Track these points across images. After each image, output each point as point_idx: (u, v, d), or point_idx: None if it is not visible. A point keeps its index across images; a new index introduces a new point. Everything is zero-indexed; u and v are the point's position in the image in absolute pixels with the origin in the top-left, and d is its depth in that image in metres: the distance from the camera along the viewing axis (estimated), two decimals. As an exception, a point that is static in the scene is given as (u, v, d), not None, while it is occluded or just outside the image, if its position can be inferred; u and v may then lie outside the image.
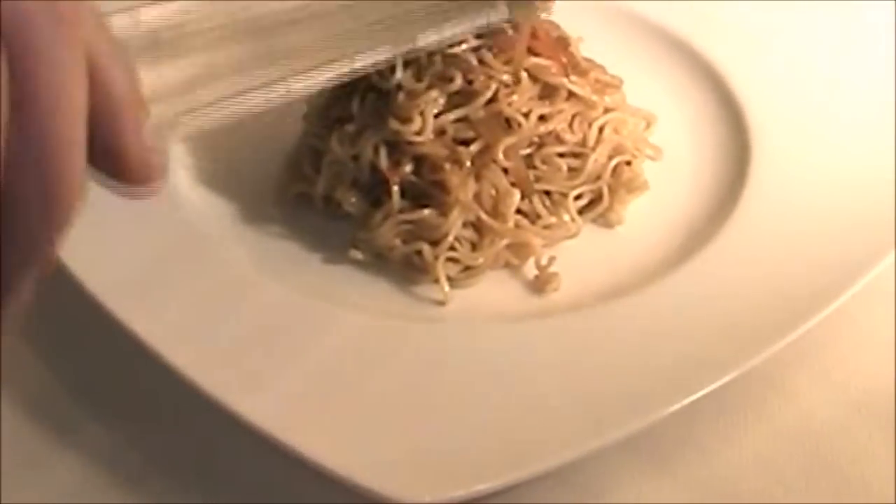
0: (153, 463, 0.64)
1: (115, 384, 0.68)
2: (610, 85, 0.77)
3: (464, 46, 0.73)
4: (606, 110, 0.77)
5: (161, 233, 0.72)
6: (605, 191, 0.75)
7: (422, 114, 0.72)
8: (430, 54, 0.72)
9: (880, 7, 0.86)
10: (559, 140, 0.75)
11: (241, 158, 0.79)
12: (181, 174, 0.77)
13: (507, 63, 0.73)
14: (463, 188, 0.72)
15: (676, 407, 0.61)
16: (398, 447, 0.61)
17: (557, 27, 0.77)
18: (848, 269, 0.69)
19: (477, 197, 0.72)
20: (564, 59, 0.75)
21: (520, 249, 0.72)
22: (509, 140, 0.72)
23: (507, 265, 0.72)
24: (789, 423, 0.66)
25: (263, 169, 0.78)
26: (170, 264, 0.71)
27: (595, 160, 0.75)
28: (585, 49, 0.79)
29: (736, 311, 0.67)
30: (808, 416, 0.66)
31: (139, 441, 0.65)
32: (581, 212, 0.75)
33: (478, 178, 0.72)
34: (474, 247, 0.72)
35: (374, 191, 0.74)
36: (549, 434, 0.61)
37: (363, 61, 0.65)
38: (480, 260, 0.72)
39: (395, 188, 0.72)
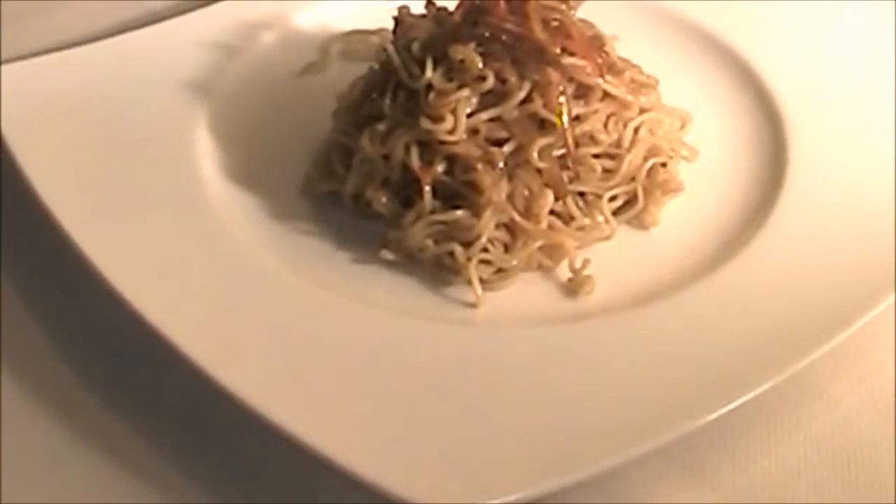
0: (176, 464, 0.64)
1: (135, 379, 0.67)
2: (646, 85, 0.77)
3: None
4: (642, 110, 0.76)
5: (189, 228, 0.72)
6: (640, 192, 0.74)
7: (454, 112, 0.71)
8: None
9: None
10: (594, 141, 0.74)
11: (270, 154, 0.79)
12: (210, 169, 0.76)
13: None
14: (496, 189, 0.71)
15: (713, 416, 0.61)
16: (428, 451, 0.60)
17: (592, 26, 0.77)
18: (887, 275, 0.68)
19: (510, 198, 0.71)
20: (599, 59, 0.74)
21: (553, 251, 0.72)
22: (543, 140, 0.71)
23: (541, 267, 0.72)
24: (825, 430, 0.66)
25: (293, 165, 0.78)
26: (197, 260, 0.70)
27: (630, 161, 0.74)
28: (620, 47, 0.78)
29: (773, 316, 0.66)
30: (844, 424, 0.66)
31: (160, 439, 0.65)
32: (615, 213, 0.74)
33: (511, 178, 0.72)
34: (507, 248, 0.71)
35: (405, 190, 0.73)
36: (582, 442, 0.60)
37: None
38: (513, 262, 0.71)
39: (427, 188, 0.71)
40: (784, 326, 0.66)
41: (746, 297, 0.68)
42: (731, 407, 0.61)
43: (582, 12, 0.77)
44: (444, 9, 0.76)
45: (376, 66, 0.77)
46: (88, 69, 0.82)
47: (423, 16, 0.76)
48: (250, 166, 0.77)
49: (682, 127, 0.80)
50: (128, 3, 0.92)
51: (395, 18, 0.77)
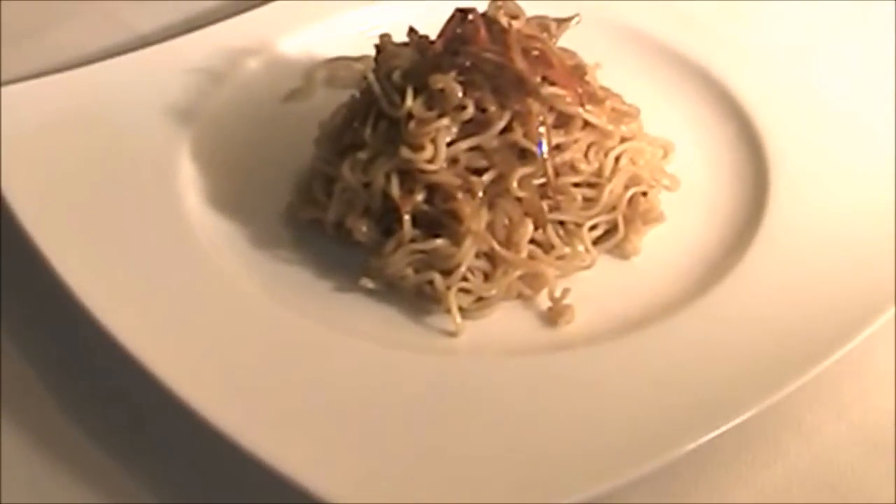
0: (161, 496, 0.64)
1: (113, 406, 0.67)
2: (627, 114, 0.76)
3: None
4: (623, 139, 0.76)
5: (170, 255, 0.72)
6: (621, 221, 0.74)
7: (434, 142, 0.71)
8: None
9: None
10: (574, 170, 0.74)
11: (253, 181, 0.79)
12: (193, 195, 0.77)
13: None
14: (476, 218, 0.71)
15: (692, 446, 0.61)
16: (408, 480, 0.60)
17: (574, 55, 0.77)
18: (868, 305, 0.68)
19: (490, 227, 0.71)
20: (580, 89, 0.73)
21: (533, 280, 0.71)
22: (524, 170, 0.71)
23: (521, 296, 0.71)
24: (805, 461, 0.65)
25: (276, 192, 0.78)
26: (178, 287, 0.70)
27: (611, 191, 0.74)
28: (603, 76, 0.78)
29: (753, 346, 0.66)
30: (824, 455, 0.66)
31: (144, 472, 0.65)
32: (596, 242, 0.74)
33: (491, 207, 0.72)
34: (487, 277, 0.71)
35: (386, 219, 0.73)
36: (561, 471, 0.60)
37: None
38: (493, 291, 0.71)
39: (407, 217, 0.71)
40: (765, 356, 0.66)
41: (727, 327, 0.68)
42: (712, 435, 0.61)
43: (564, 41, 0.77)
44: (426, 37, 0.76)
45: (358, 95, 0.78)
46: (73, 94, 0.82)
47: (406, 44, 0.76)
48: (233, 193, 0.77)
49: (665, 156, 0.80)
50: (113, 29, 0.92)
51: (377, 47, 0.77)
